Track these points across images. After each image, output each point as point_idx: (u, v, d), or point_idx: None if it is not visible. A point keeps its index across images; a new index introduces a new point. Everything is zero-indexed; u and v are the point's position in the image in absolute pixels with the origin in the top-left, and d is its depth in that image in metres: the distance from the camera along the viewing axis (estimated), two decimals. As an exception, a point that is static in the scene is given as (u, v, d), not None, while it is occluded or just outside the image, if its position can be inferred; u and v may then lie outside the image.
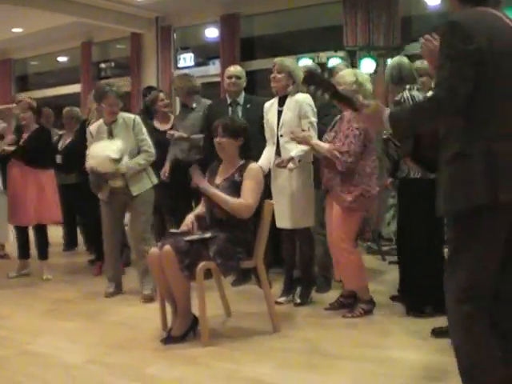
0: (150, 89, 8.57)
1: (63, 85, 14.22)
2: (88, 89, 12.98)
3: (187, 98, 7.30)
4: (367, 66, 8.69)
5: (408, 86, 5.41)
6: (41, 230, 7.54)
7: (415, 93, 5.31)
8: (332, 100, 4.16)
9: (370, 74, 7.32)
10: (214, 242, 4.83)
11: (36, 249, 7.58)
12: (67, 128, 8.34)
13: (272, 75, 5.92)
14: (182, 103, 7.49)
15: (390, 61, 6.21)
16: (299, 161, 5.64)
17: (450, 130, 3.06)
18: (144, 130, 6.45)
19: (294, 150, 5.61)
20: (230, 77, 6.77)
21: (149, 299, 6.22)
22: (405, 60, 5.68)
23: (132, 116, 6.53)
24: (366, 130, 5.29)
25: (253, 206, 5.04)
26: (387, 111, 3.18)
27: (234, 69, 6.88)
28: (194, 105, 7.25)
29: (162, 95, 7.79)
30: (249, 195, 5.02)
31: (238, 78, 6.76)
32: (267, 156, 5.95)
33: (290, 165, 5.58)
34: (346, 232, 5.38)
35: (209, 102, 7.31)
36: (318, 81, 3.69)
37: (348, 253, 5.40)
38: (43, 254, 7.55)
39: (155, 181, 6.57)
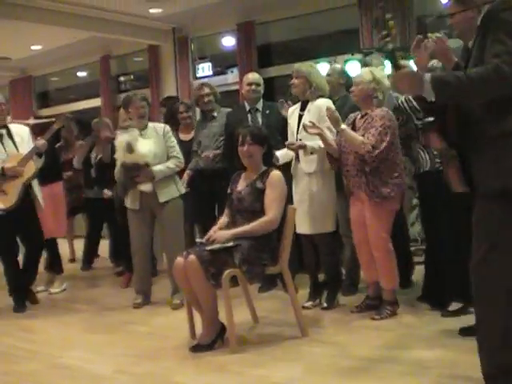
0: (169, 99, 8.60)
1: (84, 99, 14.31)
2: (108, 102, 13.10)
3: (212, 106, 7.30)
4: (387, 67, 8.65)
5: None
6: (52, 244, 7.55)
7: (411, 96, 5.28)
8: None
9: (389, 76, 7.27)
10: (238, 250, 4.84)
11: (46, 262, 7.64)
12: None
13: (291, 81, 5.96)
14: (203, 112, 7.47)
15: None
16: (311, 153, 5.68)
17: (502, 106, 3.06)
18: (173, 138, 6.60)
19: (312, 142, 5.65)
20: (249, 84, 6.79)
21: (177, 307, 6.29)
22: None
23: (162, 125, 6.68)
24: (395, 127, 5.33)
25: (277, 218, 5.05)
26: (428, 74, 3.17)
27: (253, 76, 6.90)
28: (215, 113, 7.27)
29: (181, 107, 7.83)
30: (271, 207, 5.04)
31: (258, 84, 6.79)
32: (287, 152, 5.96)
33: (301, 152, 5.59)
34: (386, 230, 5.38)
35: (228, 110, 7.33)
36: None
37: (390, 252, 5.42)
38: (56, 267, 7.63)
39: (182, 190, 6.61)
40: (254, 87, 6.76)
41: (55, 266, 7.63)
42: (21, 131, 6.76)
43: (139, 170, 6.27)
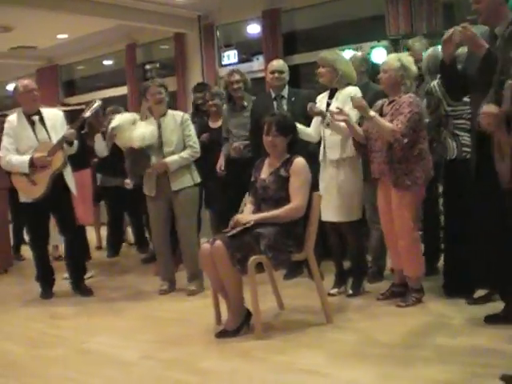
0: (200, 86, 8.60)
1: (110, 88, 14.36)
2: (134, 90, 13.14)
3: (241, 93, 7.27)
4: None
5: (439, 75, 5.37)
6: (81, 231, 7.61)
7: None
8: None
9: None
10: (264, 236, 4.85)
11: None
12: None
13: (318, 70, 5.95)
14: (232, 99, 7.41)
15: (430, 50, 6.13)
16: (327, 125, 5.72)
17: None
18: (192, 127, 6.55)
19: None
20: (272, 72, 6.77)
21: (193, 294, 6.39)
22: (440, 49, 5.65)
23: (181, 113, 6.64)
24: (422, 113, 5.33)
25: (303, 206, 5.06)
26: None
27: (277, 63, 6.87)
28: (245, 103, 7.25)
29: (207, 95, 7.86)
30: (297, 194, 5.05)
31: (281, 72, 6.75)
32: (306, 130, 5.98)
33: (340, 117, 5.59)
34: (412, 218, 5.37)
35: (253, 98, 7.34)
36: None
37: (415, 240, 5.43)
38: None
39: (197, 180, 6.60)
40: (277, 75, 6.73)
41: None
42: (54, 116, 6.69)
43: (147, 153, 6.32)
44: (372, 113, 5.34)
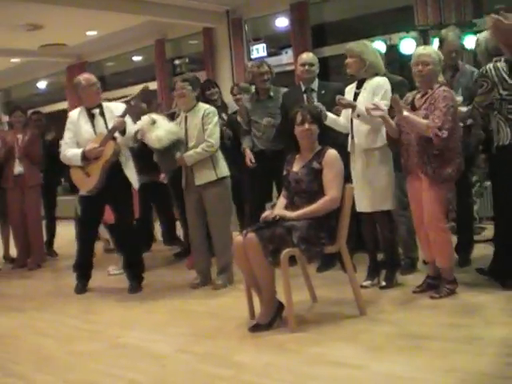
0: (208, 82, 8.60)
1: (140, 83, 14.35)
2: (164, 85, 13.17)
3: (269, 85, 7.25)
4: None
5: (495, 58, 5.33)
6: None
7: (500, 64, 5.23)
8: None
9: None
10: (297, 229, 4.84)
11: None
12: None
13: (345, 61, 5.92)
14: (258, 91, 7.39)
15: (480, 35, 6.06)
16: (358, 116, 5.66)
17: None
18: (214, 120, 6.46)
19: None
20: (303, 64, 6.75)
21: (219, 288, 6.42)
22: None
23: (207, 106, 6.60)
24: (456, 106, 5.30)
25: (338, 197, 5.05)
26: None
27: (307, 56, 6.85)
28: (272, 93, 7.24)
29: (235, 89, 7.89)
30: (331, 186, 5.04)
31: (311, 64, 6.73)
32: (336, 118, 5.96)
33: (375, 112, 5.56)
34: (442, 211, 5.34)
35: (285, 89, 7.30)
36: None
37: (445, 232, 5.38)
38: None
39: (223, 174, 6.55)
40: (307, 67, 6.72)
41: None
42: (114, 109, 6.68)
43: (170, 152, 6.33)
44: (405, 112, 5.28)
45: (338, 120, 5.93)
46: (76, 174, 6.67)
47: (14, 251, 9.12)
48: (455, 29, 6.51)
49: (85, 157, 6.47)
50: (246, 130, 7.31)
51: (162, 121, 6.41)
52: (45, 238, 9.42)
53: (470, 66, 6.40)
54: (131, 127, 6.56)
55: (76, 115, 6.68)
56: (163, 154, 6.33)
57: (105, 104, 6.76)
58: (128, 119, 6.59)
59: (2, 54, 14.15)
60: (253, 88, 7.74)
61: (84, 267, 7.01)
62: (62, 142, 6.80)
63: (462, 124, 5.65)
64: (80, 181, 6.68)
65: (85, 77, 6.76)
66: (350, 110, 5.82)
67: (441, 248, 5.38)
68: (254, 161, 7.07)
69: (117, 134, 6.50)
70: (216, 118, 6.51)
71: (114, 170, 6.53)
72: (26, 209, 8.67)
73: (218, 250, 6.56)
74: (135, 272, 6.87)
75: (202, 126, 6.40)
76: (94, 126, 6.60)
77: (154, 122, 6.33)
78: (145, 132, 6.31)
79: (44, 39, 13.03)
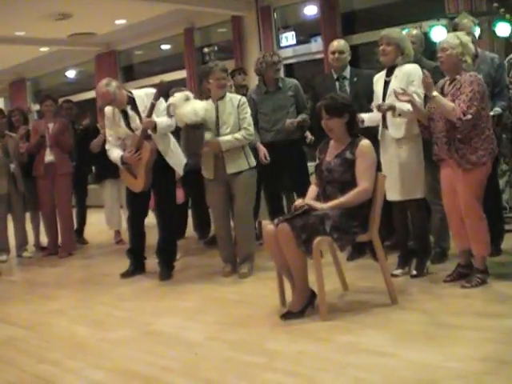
0: (239, 69, 8.61)
1: (168, 72, 14.40)
2: (193, 74, 13.17)
3: (275, 75, 7.24)
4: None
5: None
6: None
7: None
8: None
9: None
10: (329, 217, 4.84)
11: None
12: None
13: (380, 48, 5.85)
14: (265, 81, 7.36)
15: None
16: (399, 115, 5.64)
17: None
18: (248, 110, 6.54)
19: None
20: (333, 52, 6.72)
21: (245, 276, 6.43)
22: None
23: (239, 96, 6.65)
24: (484, 91, 5.23)
25: (370, 188, 5.04)
26: None
27: (337, 43, 6.82)
28: (280, 84, 7.22)
29: (239, 79, 7.93)
30: (364, 177, 5.03)
31: (342, 52, 6.70)
32: (373, 115, 5.92)
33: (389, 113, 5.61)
34: (476, 197, 5.29)
35: (295, 80, 7.26)
36: None
37: (481, 219, 5.33)
38: None
39: (253, 163, 6.60)
40: (337, 55, 6.69)
41: None
42: (145, 98, 6.65)
43: (201, 129, 6.34)
44: (435, 92, 5.27)
45: (372, 117, 5.89)
46: (126, 176, 6.84)
47: (44, 239, 9.19)
48: (467, 15, 6.46)
49: (124, 162, 6.60)
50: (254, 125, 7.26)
51: (193, 99, 6.42)
52: (75, 226, 9.50)
53: (489, 53, 6.34)
54: (165, 117, 6.57)
55: (111, 112, 6.74)
56: (193, 130, 6.33)
57: (135, 93, 6.76)
58: (160, 107, 6.58)
59: (32, 43, 14.24)
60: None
61: (136, 252, 7.11)
62: (106, 140, 6.92)
63: (491, 113, 5.62)
64: (130, 183, 6.82)
65: (97, 91, 6.77)
66: (380, 101, 5.81)
67: (476, 236, 5.34)
68: (268, 158, 7.05)
69: (150, 131, 6.54)
70: (249, 109, 6.57)
71: (155, 162, 6.60)
72: (57, 197, 8.74)
73: (242, 239, 6.56)
74: (167, 258, 6.91)
75: (238, 114, 6.43)
76: (128, 123, 6.66)
77: (187, 99, 6.35)
78: (177, 107, 6.31)
79: (73, 28, 13.07)
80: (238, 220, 6.64)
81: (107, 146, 6.83)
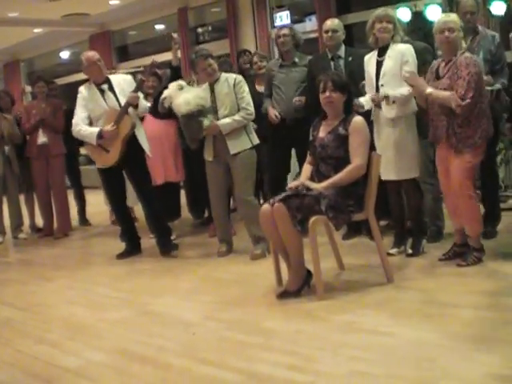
0: (244, 52, 8.58)
1: (162, 52, 14.32)
2: (187, 54, 13.12)
3: (293, 50, 7.19)
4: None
5: None
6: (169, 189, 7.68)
7: None
8: None
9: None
10: (325, 196, 4.85)
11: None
12: None
13: (380, 25, 5.79)
14: (281, 56, 7.36)
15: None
16: (393, 102, 5.65)
17: None
18: (245, 88, 6.49)
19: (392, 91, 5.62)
20: (326, 31, 6.68)
21: (257, 258, 6.35)
22: None
23: (234, 75, 6.62)
24: (480, 72, 5.23)
25: (363, 165, 5.04)
26: None
27: (331, 22, 6.77)
28: (297, 59, 7.18)
29: (255, 59, 7.84)
30: (357, 154, 5.03)
31: (335, 31, 6.66)
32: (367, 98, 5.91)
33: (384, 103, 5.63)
34: (469, 177, 5.31)
35: (309, 57, 7.25)
36: None
37: (472, 199, 5.34)
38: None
39: (256, 141, 6.58)
40: (330, 34, 6.64)
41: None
42: (122, 81, 6.80)
43: (196, 118, 6.31)
44: (428, 89, 5.26)
45: (369, 100, 5.87)
46: (93, 151, 6.81)
47: (39, 220, 9.21)
48: None
49: (101, 136, 6.57)
50: (266, 95, 7.28)
51: (188, 87, 6.41)
52: (75, 208, 9.56)
53: (489, 31, 6.32)
54: (142, 99, 6.69)
55: (86, 90, 6.77)
56: (189, 119, 6.32)
57: (112, 77, 6.87)
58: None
59: (25, 25, 14.17)
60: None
61: (129, 234, 7.16)
62: (74, 118, 6.82)
63: (489, 88, 5.63)
64: (99, 156, 6.81)
65: (86, 56, 6.82)
66: (373, 81, 5.81)
67: (469, 215, 5.36)
68: (278, 116, 7.02)
69: (130, 108, 6.59)
70: (246, 86, 6.52)
71: (129, 140, 6.65)
72: (51, 178, 8.75)
73: (250, 219, 6.44)
74: (162, 235, 6.98)
75: (235, 94, 6.41)
76: (105, 100, 6.71)
77: (181, 88, 6.36)
78: (173, 98, 6.32)
79: (66, 9, 12.98)
80: (239, 202, 6.65)
81: (75, 124, 6.77)
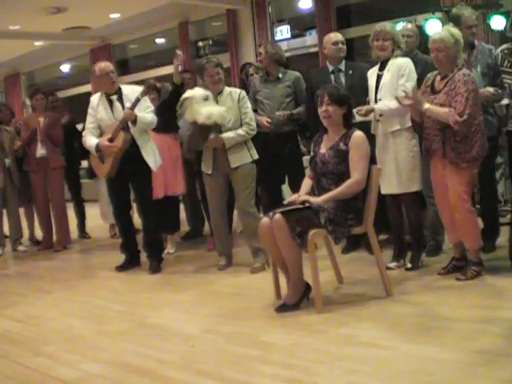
0: (245, 65, 8.62)
1: (163, 66, 14.39)
2: (187, 66, 13.16)
3: (274, 66, 7.16)
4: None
5: None
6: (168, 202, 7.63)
7: None
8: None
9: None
10: (324, 210, 4.85)
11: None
12: None
13: (377, 43, 5.83)
14: (267, 73, 7.28)
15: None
16: (380, 115, 5.73)
17: None
18: (248, 104, 6.55)
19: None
20: (335, 43, 6.62)
21: (257, 271, 6.35)
22: None
23: (238, 90, 6.66)
24: (477, 89, 5.26)
25: (363, 180, 5.04)
26: None
27: (338, 35, 6.77)
28: (280, 75, 7.17)
29: (250, 70, 7.90)
30: (357, 168, 5.03)
31: (344, 43, 6.70)
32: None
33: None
34: (467, 191, 5.31)
35: (297, 73, 7.25)
36: None
37: (471, 213, 5.34)
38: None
39: (255, 156, 6.59)
40: (340, 46, 6.65)
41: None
42: (130, 92, 6.78)
43: (208, 131, 6.32)
44: (426, 105, 5.28)
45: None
46: (93, 160, 6.93)
47: (38, 233, 9.20)
48: (467, 7, 6.43)
49: (99, 149, 6.64)
50: (252, 109, 7.22)
51: (212, 101, 6.40)
52: (75, 222, 9.57)
53: (486, 44, 6.34)
54: (147, 114, 6.71)
55: (96, 100, 6.82)
56: (200, 130, 6.31)
57: (123, 88, 6.89)
58: (145, 104, 6.72)
59: (26, 37, 14.21)
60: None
61: (129, 246, 7.15)
62: (84, 127, 6.95)
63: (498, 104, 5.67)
64: (96, 167, 6.94)
65: (99, 66, 6.86)
66: (373, 95, 5.84)
67: (467, 229, 5.36)
68: (269, 120, 7.01)
69: (129, 124, 6.61)
70: (249, 102, 6.60)
71: (132, 153, 6.65)
72: (50, 191, 8.74)
73: (249, 232, 6.44)
74: (154, 252, 6.97)
75: (239, 109, 6.44)
76: (112, 112, 6.74)
77: (206, 98, 6.32)
78: (195, 102, 6.30)
79: (67, 22, 13.06)
80: (241, 214, 6.66)
81: (84, 133, 6.90)
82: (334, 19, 11.16)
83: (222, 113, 6.31)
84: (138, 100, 6.59)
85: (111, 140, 6.59)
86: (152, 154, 6.85)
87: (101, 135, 6.75)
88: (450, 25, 5.60)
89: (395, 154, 5.78)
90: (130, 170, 6.69)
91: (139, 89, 6.77)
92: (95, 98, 6.84)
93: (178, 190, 7.75)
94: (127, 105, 6.63)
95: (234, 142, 6.39)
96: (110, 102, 6.75)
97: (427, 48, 5.73)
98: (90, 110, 6.85)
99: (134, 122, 6.57)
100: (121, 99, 6.76)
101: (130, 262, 7.07)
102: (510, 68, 5.63)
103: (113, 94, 6.77)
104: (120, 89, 6.83)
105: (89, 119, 6.86)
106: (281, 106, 7.05)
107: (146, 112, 6.71)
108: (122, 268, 7.00)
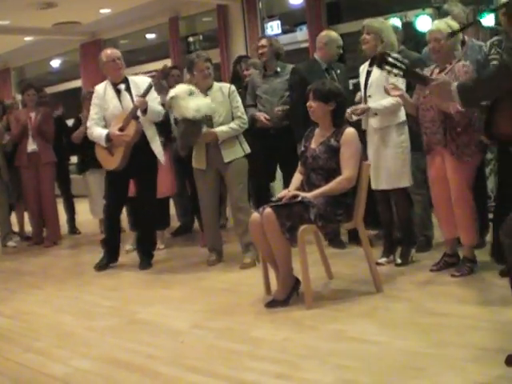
0: (241, 58, 8.61)
1: (153, 61, 14.38)
2: (178, 63, 13.14)
3: (273, 60, 7.23)
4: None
5: None
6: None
7: None
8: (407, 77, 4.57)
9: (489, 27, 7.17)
10: (314, 205, 4.86)
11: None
12: None
13: (361, 37, 5.89)
14: (264, 66, 7.36)
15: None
16: (375, 114, 5.74)
17: None
18: (238, 98, 6.56)
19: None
20: (340, 46, 6.85)
21: (247, 266, 6.35)
22: None
23: (228, 85, 6.66)
24: None
25: (354, 176, 5.04)
26: (455, 83, 3.19)
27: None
28: (279, 69, 7.20)
29: (243, 65, 7.92)
30: (347, 165, 5.02)
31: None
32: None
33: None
34: (469, 187, 5.32)
35: (292, 66, 7.24)
36: (390, 62, 4.24)
37: (472, 208, 5.35)
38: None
39: (248, 150, 6.61)
40: (341, 50, 6.80)
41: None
42: (141, 83, 6.67)
43: (199, 125, 6.31)
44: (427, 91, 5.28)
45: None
46: (100, 152, 6.73)
47: (29, 229, 9.19)
48: (457, 3, 6.45)
49: (109, 139, 6.51)
50: (250, 105, 7.27)
51: (199, 94, 6.39)
52: (65, 217, 9.56)
53: (476, 41, 6.35)
54: (156, 104, 6.64)
55: (102, 90, 6.70)
56: (192, 125, 6.28)
57: (130, 78, 6.80)
58: (153, 95, 6.63)
59: (16, 33, 14.20)
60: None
61: (111, 243, 7.05)
62: (89, 118, 6.83)
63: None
64: (104, 159, 6.74)
65: (106, 52, 6.80)
66: (362, 91, 5.87)
67: (466, 225, 5.34)
68: (268, 117, 7.05)
69: (139, 113, 6.52)
70: (239, 96, 6.61)
71: (140, 145, 6.57)
72: (41, 186, 8.71)
73: (240, 227, 6.46)
74: (147, 248, 6.95)
75: (230, 103, 6.45)
76: (120, 101, 6.64)
77: (191, 93, 6.30)
78: (180, 99, 6.29)
79: (57, 17, 13.04)
80: (235, 208, 6.63)
81: (89, 124, 6.75)
82: (324, 15, 11.20)
83: (209, 104, 6.31)
84: (150, 86, 6.51)
85: (122, 129, 6.47)
86: (160, 146, 6.83)
87: (105, 127, 6.63)
88: (448, 18, 5.60)
89: (385, 149, 5.79)
90: (137, 163, 6.58)
91: (149, 80, 6.69)
92: (101, 88, 6.72)
93: (169, 191, 7.79)
94: (137, 93, 6.54)
95: (226, 136, 6.39)
96: (118, 92, 6.66)
97: (417, 44, 5.74)
98: (95, 100, 6.71)
99: (145, 111, 6.49)
100: (129, 89, 6.66)
101: (109, 260, 6.99)
102: (496, 55, 5.63)
103: (119, 83, 6.68)
104: (127, 78, 6.74)
105: (94, 109, 6.70)
106: (281, 100, 7.06)
107: (154, 103, 6.63)
108: (101, 267, 6.91)
